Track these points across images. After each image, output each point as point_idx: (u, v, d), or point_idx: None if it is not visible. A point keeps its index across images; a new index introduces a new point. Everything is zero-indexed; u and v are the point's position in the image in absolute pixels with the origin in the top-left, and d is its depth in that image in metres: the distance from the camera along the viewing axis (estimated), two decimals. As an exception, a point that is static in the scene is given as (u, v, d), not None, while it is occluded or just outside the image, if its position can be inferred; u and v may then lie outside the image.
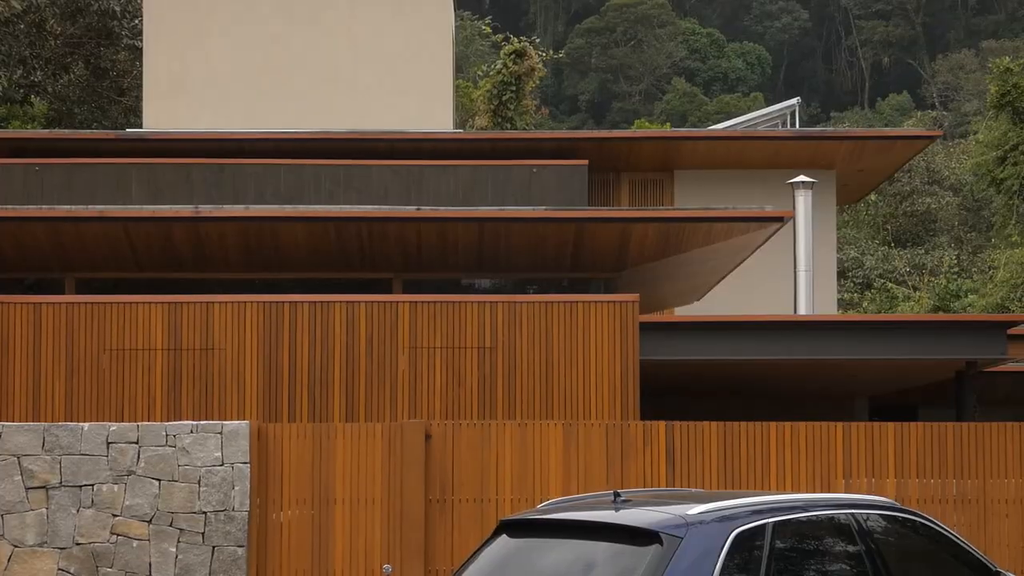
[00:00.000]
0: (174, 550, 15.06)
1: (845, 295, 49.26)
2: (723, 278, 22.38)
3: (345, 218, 19.00)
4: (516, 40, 40.89)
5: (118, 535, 15.09)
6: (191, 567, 15.04)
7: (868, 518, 9.57)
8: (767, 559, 8.73)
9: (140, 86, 31.38)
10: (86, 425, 15.29)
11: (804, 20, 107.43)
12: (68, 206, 19.49)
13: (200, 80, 25.91)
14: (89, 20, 37.78)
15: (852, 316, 31.24)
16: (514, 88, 39.08)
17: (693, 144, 25.71)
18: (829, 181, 26.24)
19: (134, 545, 15.07)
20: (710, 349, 18.25)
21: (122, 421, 16.65)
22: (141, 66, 29.69)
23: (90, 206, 19.58)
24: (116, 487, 15.14)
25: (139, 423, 15.49)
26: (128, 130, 27.36)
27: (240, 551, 15.08)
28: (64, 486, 15.17)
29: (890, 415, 22.36)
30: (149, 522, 15.11)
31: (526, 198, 22.31)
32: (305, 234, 19.24)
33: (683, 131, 29.29)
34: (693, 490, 13.53)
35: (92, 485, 15.16)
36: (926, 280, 50.72)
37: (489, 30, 60.03)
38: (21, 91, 38.40)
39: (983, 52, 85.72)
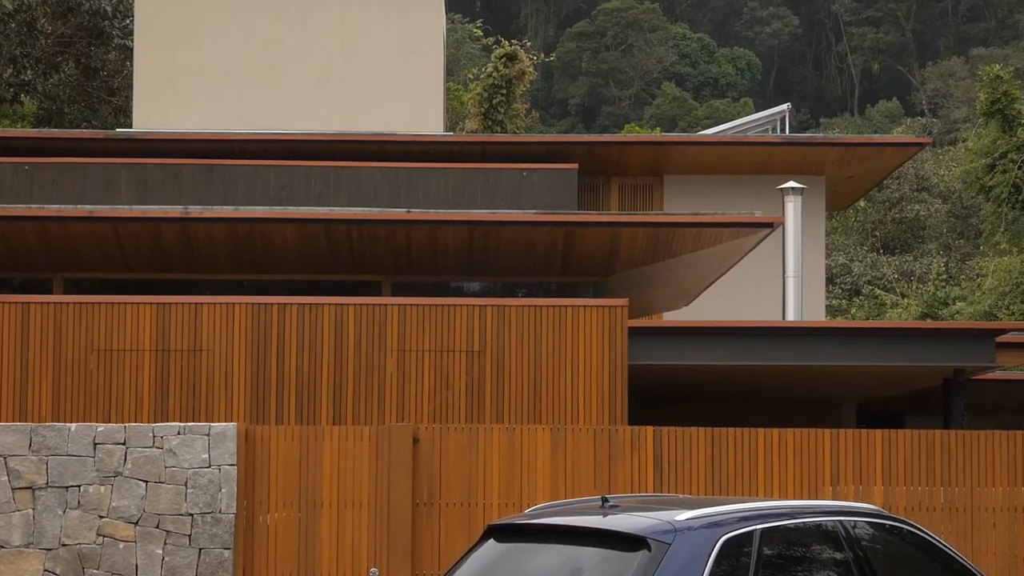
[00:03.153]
0: (160, 552, 15.03)
1: (833, 301, 49.34)
2: (712, 283, 22.40)
3: (335, 220, 18.99)
4: (507, 43, 40.90)
5: (104, 536, 15.06)
6: (177, 569, 15.00)
7: (856, 525, 9.57)
8: (754, 566, 8.73)
9: (130, 86, 31.35)
10: (73, 426, 15.25)
11: (794, 26, 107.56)
12: (57, 205, 19.46)
13: (190, 80, 25.90)
14: (80, 19, 37.72)
15: (840, 322, 31.25)
16: (504, 91, 39.08)
17: (683, 149, 25.73)
18: (818, 187, 26.27)
19: (120, 547, 15.03)
20: (698, 354, 18.24)
21: (109, 422, 16.62)
22: (131, 66, 29.67)
23: (79, 206, 19.55)
24: (103, 488, 15.11)
25: (126, 424, 15.46)
26: (118, 130, 27.33)
27: (227, 553, 15.06)
28: (51, 487, 15.13)
29: (878, 422, 22.39)
30: (136, 524, 15.08)
31: (516, 201, 22.32)
32: (294, 235, 19.22)
33: (673, 136, 29.30)
34: (681, 496, 13.52)
35: (79, 486, 15.12)
36: (914, 287, 50.82)
37: (480, 33, 60.09)
38: (11, 90, 38.34)
39: (973, 59, 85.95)
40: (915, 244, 57.50)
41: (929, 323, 23.49)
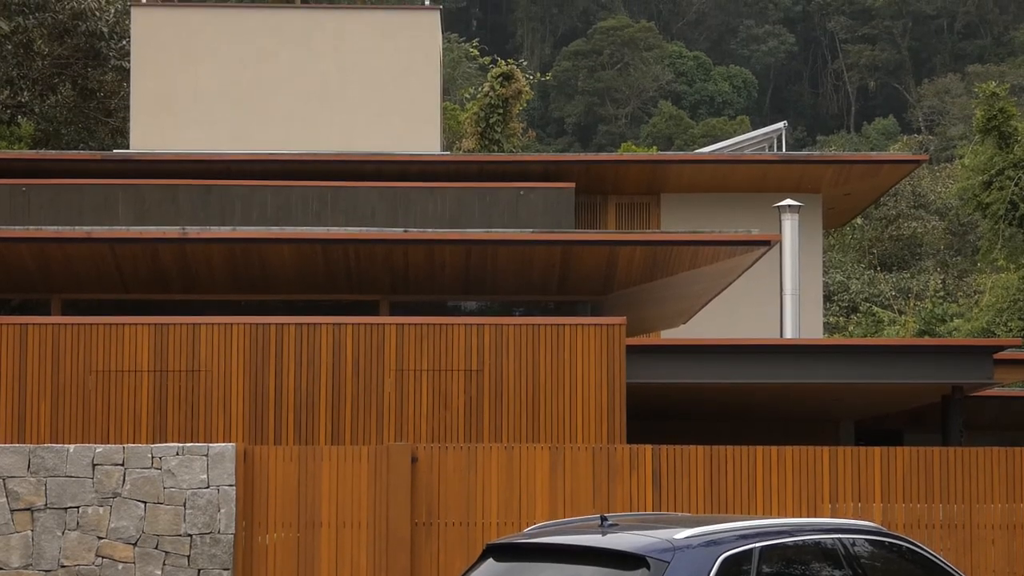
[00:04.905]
0: (160, 573, 15.01)
1: (831, 319, 49.34)
2: (709, 301, 22.39)
3: (332, 240, 18.99)
4: (503, 63, 40.96)
5: (103, 557, 15.04)
6: (176, 590, 14.99)
7: (855, 543, 9.57)
8: (754, 584, 8.73)
9: (127, 107, 31.39)
10: (71, 447, 15.24)
11: (791, 44, 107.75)
12: (54, 227, 19.46)
13: (187, 101, 25.93)
14: (77, 41, 37.73)
15: (838, 340, 31.26)
16: (501, 111, 39.12)
17: (679, 167, 25.75)
18: (815, 205, 26.29)
19: (119, 568, 15.02)
20: (696, 372, 18.25)
21: (108, 443, 16.60)
22: (128, 87, 29.70)
23: (77, 227, 19.55)
24: (101, 509, 15.09)
25: (125, 445, 15.45)
26: (115, 151, 27.38)
27: (226, 574, 15.04)
28: (49, 508, 15.11)
29: (876, 439, 22.39)
30: (134, 544, 15.06)
31: (513, 220, 22.33)
32: (292, 255, 19.23)
33: (670, 154, 29.36)
34: (679, 514, 13.51)
35: (77, 507, 15.10)
36: (912, 304, 50.81)
37: (476, 52, 60.15)
38: (8, 111, 38.36)
39: (969, 76, 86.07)
40: (912, 261, 57.55)
41: (927, 340, 23.51)
